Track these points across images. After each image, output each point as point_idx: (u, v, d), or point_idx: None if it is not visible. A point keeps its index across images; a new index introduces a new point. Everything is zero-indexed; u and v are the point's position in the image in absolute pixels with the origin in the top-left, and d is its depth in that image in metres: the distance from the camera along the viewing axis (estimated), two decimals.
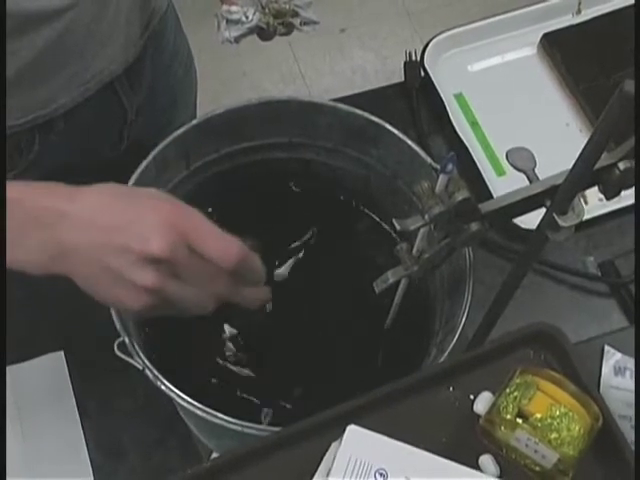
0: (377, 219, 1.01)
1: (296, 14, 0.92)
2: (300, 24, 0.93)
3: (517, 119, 1.20)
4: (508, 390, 0.64)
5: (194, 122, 0.89)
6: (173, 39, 1.14)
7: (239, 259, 0.72)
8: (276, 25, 0.92)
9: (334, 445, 0.65)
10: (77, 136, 1.02)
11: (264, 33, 0.93)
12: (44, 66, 0.92)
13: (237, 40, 0.91)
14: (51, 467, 0.97)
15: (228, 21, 0.91)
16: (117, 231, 0.69)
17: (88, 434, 0.99)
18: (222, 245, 0.72)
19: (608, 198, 0.77)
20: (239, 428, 0.75)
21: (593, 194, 0.94)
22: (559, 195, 0.71)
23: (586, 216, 0.72)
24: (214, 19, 0.94)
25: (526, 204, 0.77)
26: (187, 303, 0.73)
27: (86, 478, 0.97)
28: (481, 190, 1.11)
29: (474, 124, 1.20)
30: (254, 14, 0.91)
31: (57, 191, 0.72)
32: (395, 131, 0.90)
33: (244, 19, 0.90)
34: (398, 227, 0.75)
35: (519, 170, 0.88)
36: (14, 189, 0.71)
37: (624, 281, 1.09)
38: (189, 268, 0.71)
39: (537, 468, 0.64)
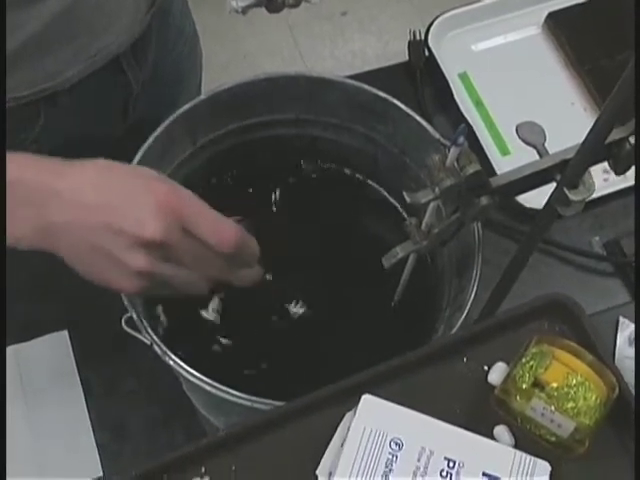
0: (385, 195, 1.01)
1: None
2: None
3: (521, 98, 1.19)
4: (524, 360, 0.64)
5: (202, 97, 0.89)
6: (179, 16, 1.14)
7: (236, 243, 0.71)
8: None
9: (348, 415, 0.65)
10: (82, 110, 1.01)
11: (272, 5, 0.92)
12: (51, 38, 0.91)
13: (244, 11, 0.90)
14: (56, 447, 0.97)
15: None
16: (110, 212, 0.68)
17: (93, 414, 0.99)
18: (219, 229, 0.71)
19: (618, 173, 0.77)
20: (248, 403, 0.75)
21: (599, 174, 0.94)
22: (570, 169, 0.70)
23: (591, 196, 0.72)
24: None
25: (536, 178, 0.77)
26: (180, 285, 0.72)
27: (91, 458, 0.96)
28: (486, 170, 1.10)
29: (478, 103, 1.19)
30: None
31: (46, 167, 0.71)
32: (403, 107, 0.90)
33: None
34: (409, 200, 0.75)
35: (529, 144, 0.87)
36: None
37: (629, 260, 1.09)
38: (183, 251, 0.70)
39: (553, 438, 0.64)
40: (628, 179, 1.09)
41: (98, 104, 1.04)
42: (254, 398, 0.75)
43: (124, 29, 0.99)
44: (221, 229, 0.71)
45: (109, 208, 0.68)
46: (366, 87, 0.90)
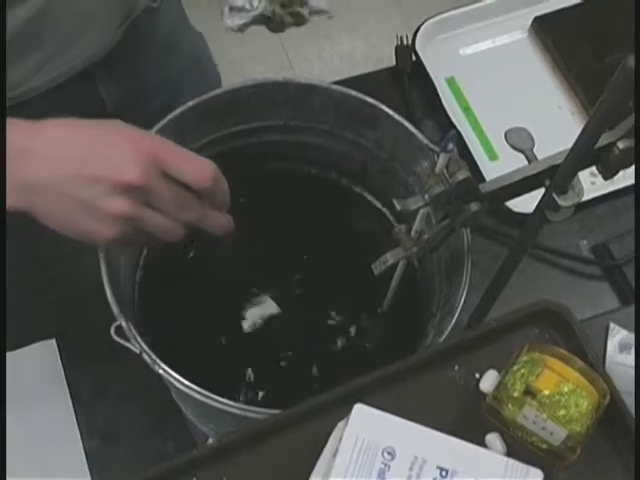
0: (373, 200, 1.00)
1: (304, 3, 0.90)
2: (309, 14, 0.91)
3: (509, 103, 1.19)
4: (515, 367, 0.64)
5: (190, 104, 0.88)
6: (169, 33, 1.13)
7: (213, 178, 0.73)
8: (283, 14, 0.90)
9: (340, 424, 0.64)
10: None
11: (272, 23, 0.92)
12: (18, 46, 0.90)
13: (241, 29, 0.90)
14: (44, 455, 0.96)
15: (231, 8, 0.90)
16: (87, 163, 0.69)
17: (81, 421, 0.98)
18: (198, 167, 0.72)
19: (606, 178, 0.77)
20: (239, 412, 0.75)
21: (586, 178, 0.95)
22: (559, 174, 0.70)
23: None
24: (212, 6, 0.93)
25: (525, 184, 0.77)
26: (158, 231, 0.73)
27: (80, 465, 0.96)
28: (474, 175, 1.10)
29: (466, 108, 1.19)
30: (260, 2, 0.89)
31: (17, 127, 0.71)
32: (391, 112, 0.90)
33: (248, 6, 0.89)
34: (398, 207, 0.75)
35: (518, 150, 0.88)
36: None
37: (617, 264, 1.09)
38: (161, 194, 0.71)
39: (544, 446, 0.64)
40: (615, 183, 1.09)
41: (68, 117, 1.02)
42: (244, 406, 0.75)
43: (95, 41, 0.98)
44: (199, 167, 0.73)
45: (85, 159, 0.69)
46: (354, 93, 0.90)
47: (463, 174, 0.73)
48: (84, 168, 0.69)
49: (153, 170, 0.69)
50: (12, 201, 0.71)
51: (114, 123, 0.73)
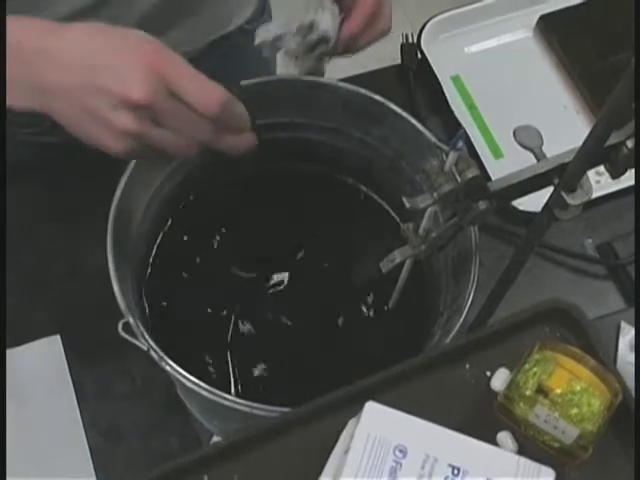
0: (379, 200, 1.00)
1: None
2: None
3: (514, 101, 1.19)
4: (527, 366, 0.64)
5: None
6: (252, 58, 1.12)
7: (221, 105, 0.71)
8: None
9: (351, 422, 0.64)
10: None
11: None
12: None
13: (274, 46, 0.90)
14: (49, 452, 0.96)
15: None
16: (97, 71, 0.69)
17: (86, 418, 0.98)
18: (204, 91, 0.71)
19: (614, 177, 0.77)
20: (247, 409, 0.75)
21: (591, 176, 0.95)
22: (568, 172, 0.70)
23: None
24: None
25: (534, 182, 0.77)
26: (168, 148, 0.73)
27: (84, 462, 0.96)
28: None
29: (471, 106, 1.19)
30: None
31: (35, 26, 0.71)
32: (399, 110, 0.89)
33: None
34: (408, 205, 0.75)
35: (526, 148, 0.88)
36: None
37: (622, 263, 1.09)
38: (170, 114, 0.70)
39: (556, 444, 0.64)
40: (620, 182, 1.09)
41: None
42: (251, 403, 0.75)
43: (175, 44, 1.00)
44: (206, 91, 0.71)
45: (97, 68, 0.69)
46: (361, 90, 0.90)
47: (472, 172, 0.73)
48: (94, 77, 0.68)
49: (161, 89, 0.68)
50: (30, 101, 0.71)
51: (136, 34, 0.72)
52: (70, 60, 0.69)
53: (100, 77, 0.68)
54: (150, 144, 0.71)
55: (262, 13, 1.18)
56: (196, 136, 0.73)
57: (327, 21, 0.88)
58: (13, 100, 0.71)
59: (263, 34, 0.90)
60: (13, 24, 0.71)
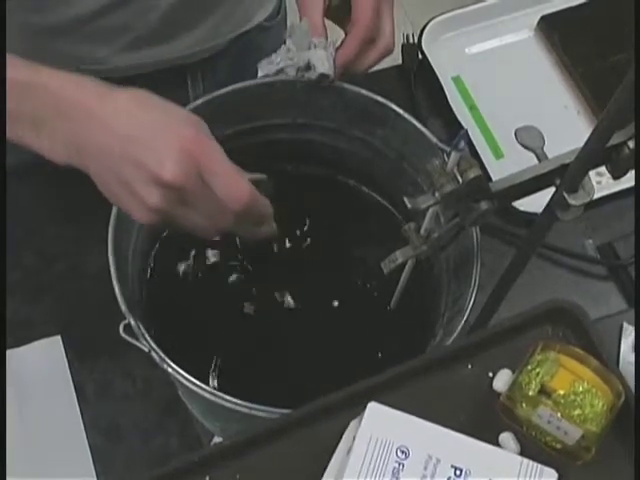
0: (381, 199, 1.00)
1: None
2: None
3: (515, 102, 1.19)
4: (530, 367, 0.64)
5: (197, 102, 0.88)
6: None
7: (246, 204, 0.73)
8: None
9: (353, 423, 0.64)
10: None
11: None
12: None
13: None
14: (49, 452, 0.96)
15: None
16: (137, 145, 0.70)
17: (86, 418, 0.98)
18: (232, 186, 0.72)
19: (615, 178, 0.77)
20: (247, 410, 0.75)
21: (592, 177, 0.95)
22: (569, 173, 0.70)
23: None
24: None
25: (536, 183, 0.77)
26: (191, 228, 0.74)
27: (85, 462, 0.95)
28: None
29: (472, 107, 1.19)
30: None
31: (88, 87, 0.73)
32: (401, 111, 0.89)
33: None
34: (409, 205, 0.75)
35: (528, 148, 0.88)
36: (44, 73, 0.72)
37: (623, 263, 1.09)
38: (197, 198, 0.71)
39: (558, 445, 0.64)
40: (621, 182, 1.08)
41: None
42: (252, 405, 0.75)
43: (193, 40, 1.04)
44: (234, 187, 0.72)
45: (138, 142, 0.70)
46: (363, 91, 0.90)
47: (474, 172, 0.72)
48: (133, 150, 0.70)
49: (193, 173, 0.70)
50: (68, 157, 0.72)
51: (180, 113, 0.74)
52: (114, 128, 0.71)
53: (139, 151, 0.70)
54: (174, 221, 0.73)
55: (279, 10, 1.19)
56: (217, 222, 0.75)
57: (321, 59, 0.88)
58: (51, 150, 0.73)
59: (266, 67, 0.90)
60: (68, 81, 0.73)
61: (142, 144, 0.70)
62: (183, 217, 0.73)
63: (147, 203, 0.70)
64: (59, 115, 0.71)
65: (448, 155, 0.72)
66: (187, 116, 0.74)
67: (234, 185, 0.72)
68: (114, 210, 0.81)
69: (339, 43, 0.92)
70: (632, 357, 0.93)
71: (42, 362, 1.00)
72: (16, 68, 0.72)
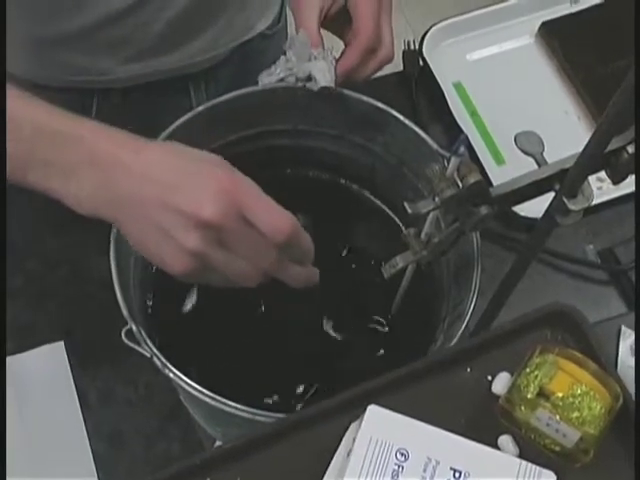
0: (382, 205, 1.01)
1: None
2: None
3: (516, 107, 1.20)
4: (528, 369, 0.64)
5: (199, 109, 0.89)
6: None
7: (290, 234, 0.72)
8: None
9: (354, 426, 0.64)
10: (133, 116, 1.02)
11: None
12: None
13: None
14: (52, 457, 0.96)
15: None
16: (172, 190, 0.69)
17: (89, 424, 0.98)
18: (276, 218, 0.71)
19: (615, 182, 0.77)
20: (249, 415, 0.75)
21: (593, 182, 0.95)
22: (569, 178, 0.71)
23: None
24: None
25: (535, 188, 0.77)
26: (231, 273, 0.72)
27: (87, 468, 0.96)
28: None
29: (473, 113, 1.20)
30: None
31: (120, 140, 0.73)
32: (401, 117, 0.90)
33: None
34: (410, 210, 0.75)
35: (527, 154, 0.88)
36: (80, 125, 0.72)
37: (624, 268, 1.09)
38: (238, 238, 0.70)
39: (557, 448, 0.64)
40: (622, 188, 1.08)
41: (150, 117, 1.04)
42: (254, 410, 0.75)
43: (198, 50, 1.05)
44: (277, 218, 0.71)
45: (172, 187, 0.70)
46: (364, 98, 0.91)
47: (474, 177, 0.73)
48: (168, 196, 0.69)
49: (232, 211, 0.69)
50: (96, 208, 0.72)
51: (209, 157, 0.74)
52: (146, 175, 0.70)
53: (174, 195, 0.69)
54: (212, 266, 0.71)
55: (280, 18, 1.20)
56: (260, 262, 0.73)
57: (322, 70, 0.89)
58: (80, 203, 0.72)
59: (266, 79, 0.91)
60: (103, 133, 0.72)
61: (178, 188, 0.69)
62: (222, 261, 0.71)
63: (186, 247, 0.69)
64: (92, 165, 0.70)
65: (448, 160, 0.72)
66: (217, 158, 0.74)
67: (276, 215, 0.71)
68: None
69: (339, 53, 0.92)
70: (630, 360, 0.93)
71: (45, 368, 1.01)
72: (52, 115, 0.72)
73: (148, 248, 0.72)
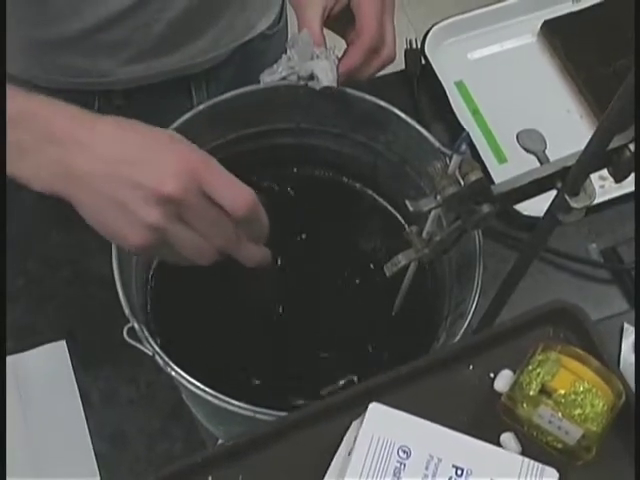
0: (384, 203, 1.01)
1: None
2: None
3: (518, 106, 1.20)
4: (530, 367, 0.64)
5: (200, 107, 0.89)
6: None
7: (250, 209, 0.72)
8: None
9: (355, 423, 0.64)
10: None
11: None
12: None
13: None
14: (55, 457, 0.96)
15: None
16: (132, 166, 0.70)
17: (91, 423, 0.98)
18: (236, 193, 0.72)
19: (617, 181, 0.77)
20: (251, 414, 0.75)
21: (595, 181, 0.95)
22: (571, 176, 0.70)
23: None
24: None
25: (537, 186, 0.77)
26: (187, 248, 0.73)
27: (90, 467, 0.96)
28: None
29: (475, 112, 1.20)
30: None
31: (77, 116, 0.72)
32: (403, 116, 0.90)
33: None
34: (411, 208, 0.75)
35: (529, 152, 0.88)
36: (33, 102, 0.71)
37: (626, 267, 1.09)
38: (198, 213, 0.71)
39: (559, 445, 0.64)
40: (624, 186, 1.09)
41: (152, 118, 1.04)
42: (256, 408, 0.75)
43: (199, 50, 1.05)
44: (237, 193, 0.72)
45: (132, 163, 0.70)
46: (366, 96, 0.91)
47: (476, 175, 0.73)
48: (128, 171, 0.69)
49: (193, 186, 0.69)
50: (51, 185, 0.71)
51: (166, 133, 0.74)
52: (104, 152, 0.70)
53: (134, 170, 0.69)
54: (170, 242, 0.72)
55: (280, 18, 1.20)
56: (217, 239, 0.73)
57: (325, 69, 0.89)
58: (33, 177, 0.72)
59: (268, 77, 0.91)
60: (57, 109, 0.72)
61: (138, 165, 0.69)
62: (180, 237, 0.71)
63: (145, 220, 0.69)
64: (47, 142, 0.70)
65: (450, 158, 0.72)
66: (173, 134, 0.74)
67: (237, 190, 0.72)
68: None
69: (342, 53, 0.92)
70: (633, 358, 0.93)
71: (47, 367, 1.00)
72: (9, 98, 0.72)
73: (105, 223, 0.72)
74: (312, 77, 0.89)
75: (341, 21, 0.94)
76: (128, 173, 0.69)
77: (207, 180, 0.70)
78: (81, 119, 0.72)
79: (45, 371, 1.00)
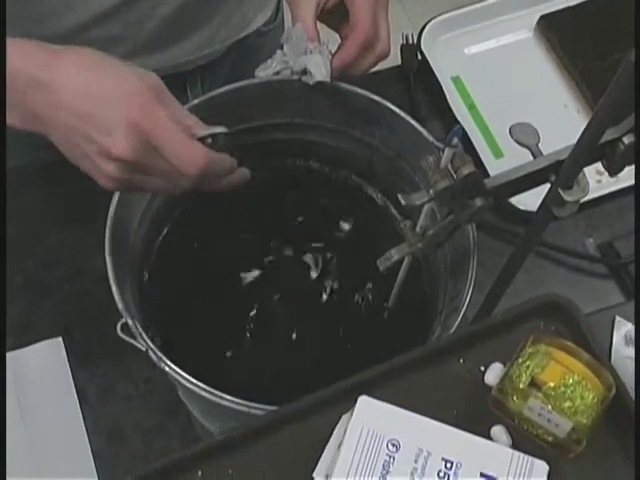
0: (380, 198, 1.00)
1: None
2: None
3: (515, 102, 1.19)
4: (520, 359, 0.64)
5: (195, 101, 0.88)
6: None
7: (203, 169, 0.73)
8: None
9: (345, 417, 0.64)
10: None
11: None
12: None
13: None
14: (51, 454, 0.96)
15: None
16: (85, 120, 0.71)
17: (88, 420, 0.98)
18: (186, 153, 0.73)
19: (612, 174, 0.77)
20: (245, 409, 0.75)
21: (592, 176, 0.94)
22: (564, 169, 0.70)
23: (585, 198, 0.72)
24: None
25: (531, 179, 0.77)
26: (154, 189, 0.77)
27: (87, 464, 0.96)
28: (479, 172, 1.11)
29: (472, 107, 1.19)
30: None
31: (34, 55, 0.73)
32: (398, 111, 0.90)
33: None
34: (403, 202, 0.75)
35: (523, 145, 0.87)
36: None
37: (624, 262, 1.08)
38: (151, 167, 0.73)
39: (550, 438, 0.64)
40: (621, 181, 1.09)
41: None
42: (250, 404, 0.75)
43: (193, 47, 1.05)
44: (187, 154, 0.73)
45: (85, 116, 0.71)
46: (361, 91, 0.90)
47: (468, 169, 0.73)
48: (84, 125, 0.71)
49: (143, 146, 0.71)
50: (25, 126, 0.74)
51: (129, 78, 0.74)
52: (62, 99, 0.71)
53: (88, 125, 0.71)
54: (135, 186, 0.75)
55: (276, 15, 1.20)
56: (177, 185, 0.76)
57: (318, 64, 0.89)
58: (13, 120, 0.74)
59: (262, 73, 0.91)
60: (13, 49, 0.72)
61: (91, 120, 0.71)
62: (143, 183, 0.74)
63: (105, 172, 0.72)
64: (10, 86, 0.71)
65: (442, 152, 0.72)
66: (133, 72, 0.74)
67: (187, 152, 0.73)
68: (111, 210, 0.82)
69: (336, 47, 0.92)
70: (625, 350, 0.93)
71: (44, 364, 1.01)
72: None
73: (77, 163, 0.75)
74: (305, 72, 0.89)
75: (335, 16, 0.94)
76: (84, 126, 0.71)
77: (157, 138, 0.71)
78: (36, 57, 0.72)
79: (42, 368, 1.00)
